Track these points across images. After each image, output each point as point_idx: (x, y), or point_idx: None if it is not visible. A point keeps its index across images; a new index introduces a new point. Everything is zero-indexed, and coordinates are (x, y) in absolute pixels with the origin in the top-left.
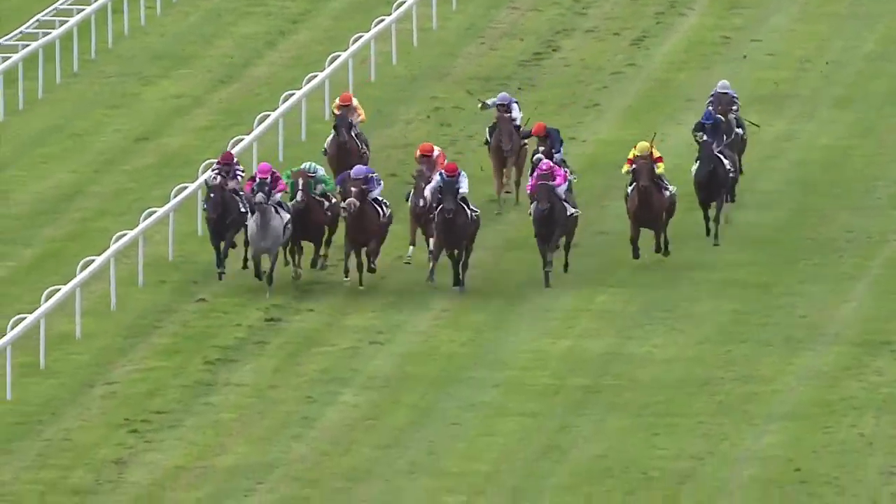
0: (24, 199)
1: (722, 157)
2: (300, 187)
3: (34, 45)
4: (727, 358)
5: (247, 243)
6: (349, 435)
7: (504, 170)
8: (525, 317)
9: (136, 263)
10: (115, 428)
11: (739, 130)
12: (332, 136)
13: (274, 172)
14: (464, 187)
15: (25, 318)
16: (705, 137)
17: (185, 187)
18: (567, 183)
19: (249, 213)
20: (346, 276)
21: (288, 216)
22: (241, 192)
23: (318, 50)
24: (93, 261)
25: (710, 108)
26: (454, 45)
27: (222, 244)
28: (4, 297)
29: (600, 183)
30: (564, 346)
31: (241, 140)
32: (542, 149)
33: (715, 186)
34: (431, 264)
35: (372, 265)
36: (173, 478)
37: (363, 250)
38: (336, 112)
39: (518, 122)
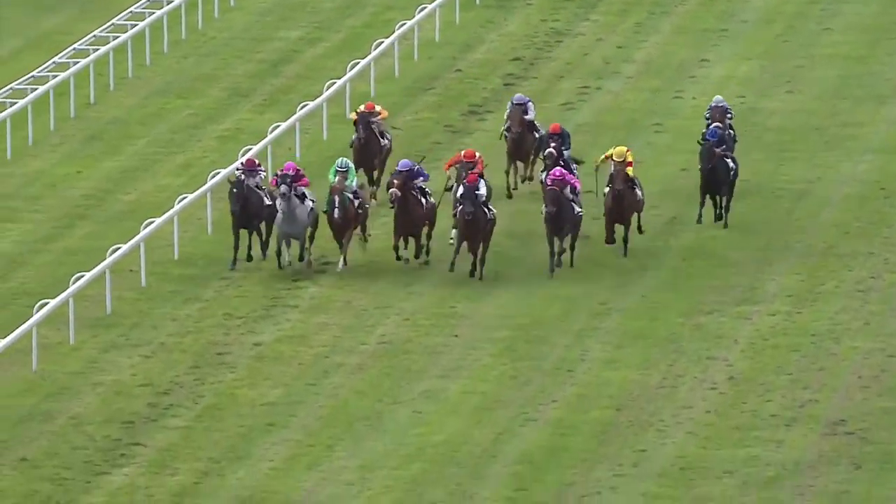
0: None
1: (725, 157)
2: (336, 205)
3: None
4: (833, 111)
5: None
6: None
7: (517, 162)
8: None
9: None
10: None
11: (731, 132)
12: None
13: (298, 170)
14: (482, 191)
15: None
16: (709, 139)
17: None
18: (578, 187)
19: (280, 191)
20: (399, 259)
21: (312, 204)
22: (265, 188)
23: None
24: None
25: (709, 120)
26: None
27: (245, 234)
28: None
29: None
30: None
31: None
32: (553, 145)
33: (716, 182)
34: (453, 256)
35: (418, 253)
36: None
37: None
38: (358, 113)
39: (533, 120)
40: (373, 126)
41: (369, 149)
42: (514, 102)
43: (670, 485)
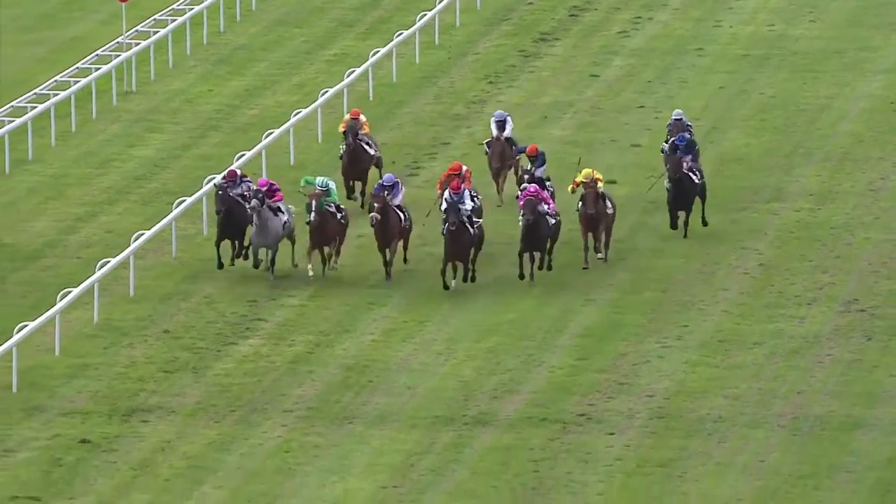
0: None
1: (691, 172)
2: (313, 208)
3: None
4: (851, 37)
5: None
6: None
7: (500, 176)
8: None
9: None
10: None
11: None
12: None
13: (272, 184)
14: (467, 204)
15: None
16: (678, 153)
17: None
18: (552, 204)
19: (250, 205)
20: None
21: (287, 217)
22: (247, 195)
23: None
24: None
25: (670, 134)
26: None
27: (229, 240)
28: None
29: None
30: None
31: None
32: (530, 167)
33: (682, 196)
34: (443, 277)
35: (390, 266)
36: None
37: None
38: (344, 124)
39: (510, 136)
40: (360, 136)
41: (357, 158)
42: (495, 119)
43: (709, 354)
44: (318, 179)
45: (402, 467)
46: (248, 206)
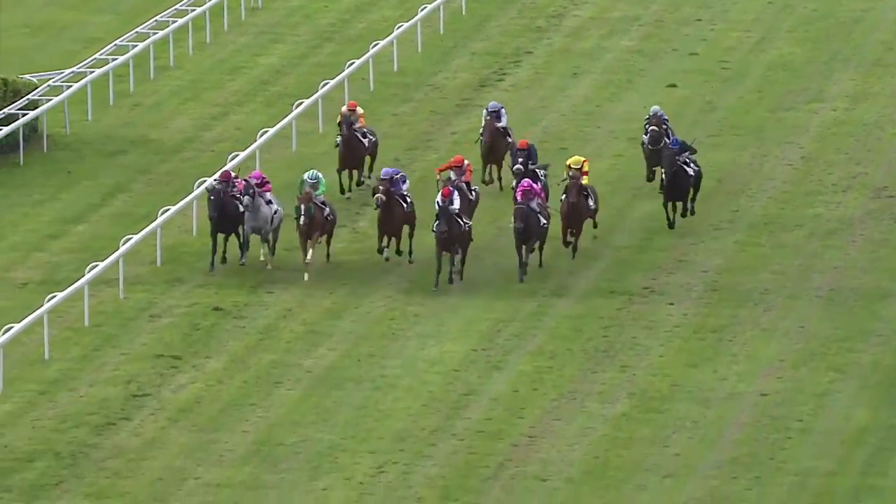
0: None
1: (685, 164)
2: (302, 212)
3: None
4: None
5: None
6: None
7: (490, 166)
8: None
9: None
10: None
11: (667, 140)
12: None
13: (263, 177)
14: (455, 204)
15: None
16: (671, 146)
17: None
18: (544, 194)
19: (243, 202)
20: (382, 254)
21: (277, 208)
22: (239, 195)
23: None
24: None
25: (647, 126)
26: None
27: (221, 239)
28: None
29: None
30: None
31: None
32: (521, 160)
33: (677, 187)
34: (436, 276)
35: (399, 249)
36: None
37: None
38: (341, 114)
39: (505, 126)
40: (354, 127)
41: (352, 148)
42: (489, 110)
43: (756, 235)
44: (308, 173)
45: (490, 332)
46: (242, 203)
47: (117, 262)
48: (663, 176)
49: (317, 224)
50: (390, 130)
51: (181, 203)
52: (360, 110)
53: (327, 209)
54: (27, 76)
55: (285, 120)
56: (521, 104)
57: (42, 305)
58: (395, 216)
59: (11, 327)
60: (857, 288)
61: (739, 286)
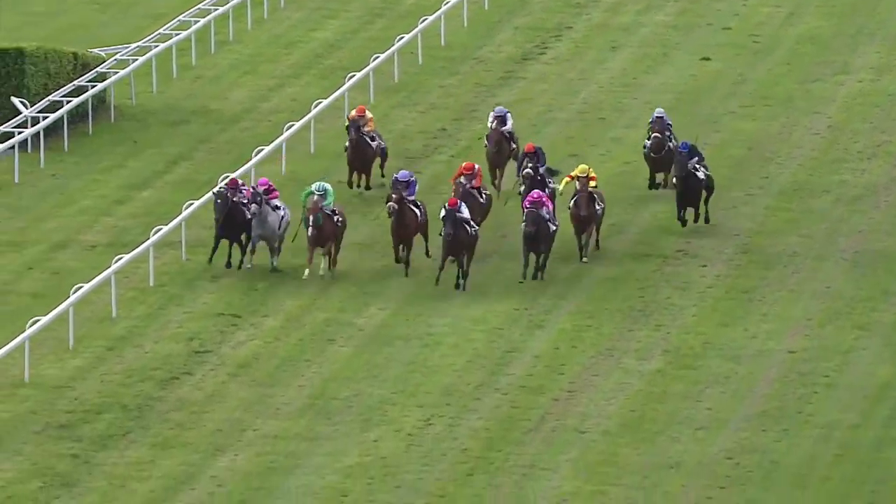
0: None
1: (696, 170)
2: (311, 222)
3: None
4: None
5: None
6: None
7: (497, 170)
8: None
9: None
10: None
11: (671, 144)
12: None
13: (270, 184)
14: (464, 213)
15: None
16: (682, 152)
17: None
18: (552, 205)
19: (250, 210)
20: (398, 262)
21: (283, 213)
22: (247, 202)
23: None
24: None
25: (650, 133)
26: None
27: (226, 243)
28: None
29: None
30: None
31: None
32: (530, 165)
33: (689, 193)
34: (438, 272)
35: (408, 259)
36: None
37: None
38: (349, 119)
39: (510, 130)
40: (363, 131)
41: (360, 152)
42: (495, 115)
43: (786, 201)
44: (315, 185)
45: (531, 293)
46: (249, 210)
47: (180, 225)
48: (674, 182)
49: (327, 234)
50: (438, 101)
51: (239, 171)
52: (369, 114)
53: (337, 217)
54: (96, 50)
55: (338, 92)
56: (562, 76)
57: (109, 266)
58: (408, 224)
59: (81, 287)
60: (880, 250)
61: (769, 249)
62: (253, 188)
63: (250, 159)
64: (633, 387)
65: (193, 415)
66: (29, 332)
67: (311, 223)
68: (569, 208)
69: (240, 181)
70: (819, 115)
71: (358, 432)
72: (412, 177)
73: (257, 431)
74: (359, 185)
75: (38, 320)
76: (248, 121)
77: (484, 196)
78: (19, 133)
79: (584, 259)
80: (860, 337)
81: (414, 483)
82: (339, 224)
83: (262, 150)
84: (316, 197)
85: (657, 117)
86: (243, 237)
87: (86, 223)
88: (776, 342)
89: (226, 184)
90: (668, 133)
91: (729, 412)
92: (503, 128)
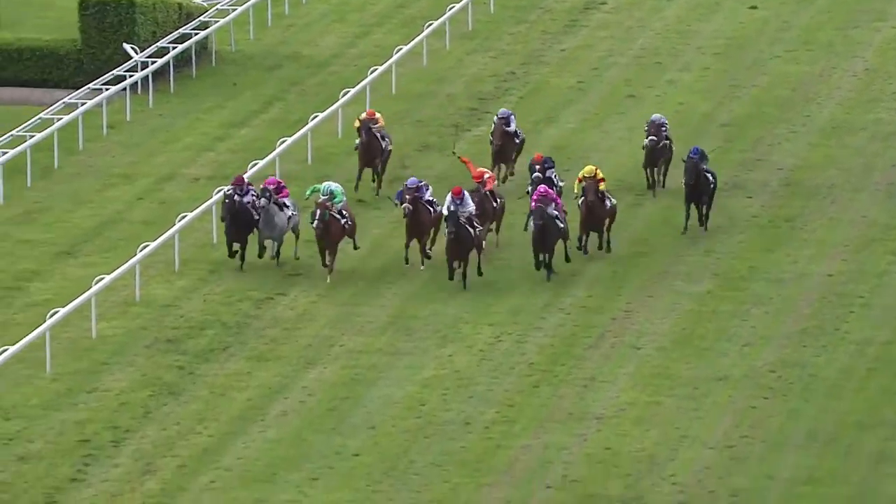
0: None
1: (706, 172)
2: (318, 217)
3: None
4: None
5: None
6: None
7: (501, 165)
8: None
9: None
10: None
11: (667, 141)
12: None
13: (279, 182)
14: (469, 207)
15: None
16: (692, 157)
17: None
18: (560, 203)
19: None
20: (406, 263)
21: (291, 212)
22: (256, 203)
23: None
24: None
25: (647, 130)
26: None
27: (235, 244)
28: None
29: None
30: None
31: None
32: (537, 167)
33: (698, 192)
34: (449, 270)
35: (427, 252)
36: None
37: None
38: (360, 120)
39: (514, 130)
40: (374, 130)
41: (372, 151)
42: (499, 116)
43: (825, 137)
44: (322, 186)
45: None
46: (258, 206)
47: (274, 160)
48: (684, 185)
49: (334, 232)
50: (507, 47)
51: (328, 111)
52: (378, 115)
53: (345, 220)
54: (198, 1)
55: (417, 38)
56: (621, 24)
57: (211, 197)
58: (423, 221)
59: (185, 216)
60: None
61: (809, 181)
62: (263, 187)
63: (337, 100)
64: (684, 307)
65: (286, 331)
66: (139, 256)
67: (317, 217)
68: (578, 206)
69: (246, 179)
70: (857, 59)
71: (434, 348)
72: (421, 182)
73: (343, 346)
74: (373, 180)
75: (147, 245)
76: (335, 65)
77: (497, 201)
78: (130, 76)
79: (600, 249)
80: (893, 262)
81: (485, 394)
82: (347, 226)
83: (348, 91)
84: (322, 198)
85: (653, 121)
86: (252, 236)
87: (190, 158)
88: (816, 266)
89: (232, 183)
90: (664, 132)
91: (772, 330)
92: (507, 128)
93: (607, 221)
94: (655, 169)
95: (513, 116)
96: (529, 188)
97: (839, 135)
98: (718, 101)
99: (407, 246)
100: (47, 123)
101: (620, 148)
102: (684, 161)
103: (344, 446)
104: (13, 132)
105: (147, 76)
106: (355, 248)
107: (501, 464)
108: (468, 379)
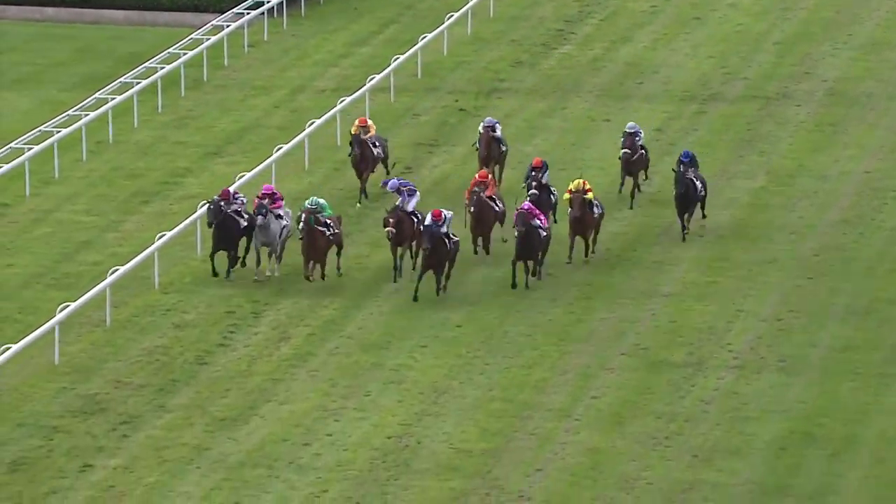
0: None
1: (694, 180)
2: (303, 221)
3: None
4: None
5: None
6: None
7: (486, 168)
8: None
9: None
10: None
11: (643, 151)
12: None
13: (275, 192)
14: (444, 228)
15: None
16: (681, 167)
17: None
18: (545, 221)
19: (256, 221)
20: (397, 272)
21: (286, 222)
22: (244, 213)
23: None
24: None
25: (624, 140)
26: None
27: (224, 251)
28: None
29: None
30: None
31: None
32: (534, 173)
33: (687, 201)
34: (417, 281)
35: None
36: None
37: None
38: (352, 132)
39: (499, 136)
40: (365, 139)
41: (364, 161)
42: (485, 125)
43: (865, 53)
44: (309, 200)
45: (664, 125)
46: (253, 215)
47: (389, 75)
48: (674, 192)
49: (319, 243)
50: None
51: (434, 32)
52: (370, 123)
53: (330, 231)
54: None
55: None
56: None
57: (335, 106)
58: (405, 234)
59: (313, 122)
60: None
61: (851, 91)
62: (258, 197)
63: (443, 22)
64: (741, 200)
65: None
66: (275, 156)
67: (302, 221)
68: (568, 215)
69: (232, 191)
70: (878, 11)
71: None
72: (406, 185)
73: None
74: (366, 197)
75: (280, 147)
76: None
77: (499, 205)
78: (268, 2)
79: (586, 259)
80: None
81: (569, 275)
82: (332, 238)
83: (452, 15)
84: (309, 206)
85: (628, 132)
86: (241, 245)
87: (318, 72)
88: (855, 165)
89: (218, 194)
90: (637, 139)
91: (816, 219)
92: (493, 134)
93: (593, 230)
94: (632, 178)
95: (498, 125)
96: (525, 184)
97: (878, 50)
98: (772, 22)
99: (395, 257)
100: (197, 43)
101: (686, 63)
102: (674, 171)
103: (448, 318)
104: (169, 50)
105: (282, 2)
106: (338, 271)
107: (582, 334)
108: (556, 261)
